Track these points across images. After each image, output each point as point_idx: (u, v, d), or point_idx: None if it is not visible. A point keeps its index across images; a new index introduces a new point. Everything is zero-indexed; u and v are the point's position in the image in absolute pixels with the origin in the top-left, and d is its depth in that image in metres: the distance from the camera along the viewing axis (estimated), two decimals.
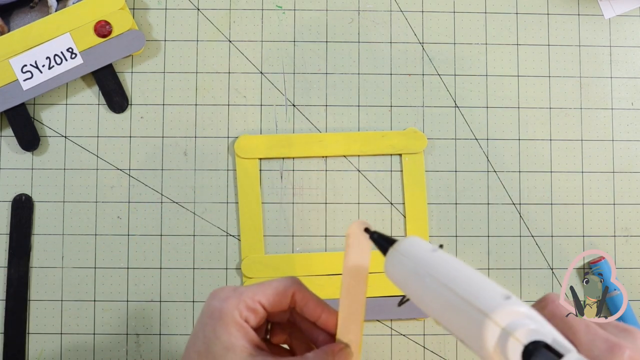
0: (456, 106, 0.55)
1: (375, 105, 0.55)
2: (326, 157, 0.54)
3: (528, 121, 0.55)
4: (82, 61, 0.52)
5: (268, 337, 0.37)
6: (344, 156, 0.54)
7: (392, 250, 0.31)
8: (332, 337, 0.35)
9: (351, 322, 0.34)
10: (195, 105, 0.54)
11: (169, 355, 0.53)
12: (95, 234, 0.53)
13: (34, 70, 0.52)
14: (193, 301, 0.53)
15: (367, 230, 0.32)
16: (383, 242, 0.32)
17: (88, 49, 0.52)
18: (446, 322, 0.28)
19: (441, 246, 0.30)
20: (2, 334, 0.52)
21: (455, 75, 0.55)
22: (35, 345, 0.52)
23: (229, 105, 0.54)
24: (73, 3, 0.53)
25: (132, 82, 0.54)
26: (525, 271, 0.54)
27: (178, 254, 0.53)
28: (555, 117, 0.55)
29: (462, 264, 0.28)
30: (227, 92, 0.54)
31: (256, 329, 0.34)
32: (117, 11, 0.52)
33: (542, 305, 0.33)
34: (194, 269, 0.53)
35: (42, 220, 0.53)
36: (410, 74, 0.55)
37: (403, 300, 0.32)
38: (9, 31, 0.52)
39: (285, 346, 0.38)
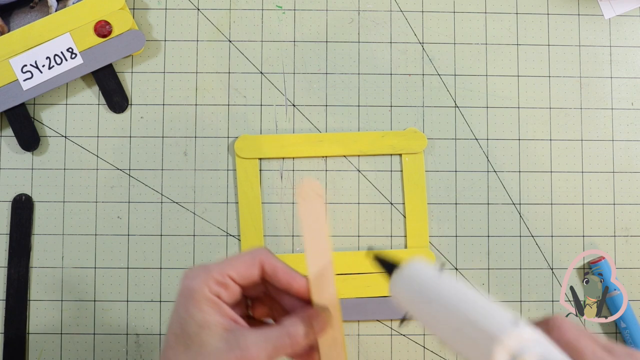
0: (456, 106, 0.55)
1: (375, 105, 0.55)
2: (326, 157, 0.54)
3: (528, 121, 0.55)
4: (82, 61, 0.52)
5: (251, 313, 0.37)
6: (344, 156, 0.54)
7: (397, 274, 0.32)
8: (310, 304, 0.35)
9: (322, 283, 0.34)
10: (195, 105, 0.54)
11: None
12: (95, 234, 0.53)
13: (34, 70, 0.52)
14: None
15: (370, 250, 0.33)
16: (387, 265, 0.33)
17: (88, 49, 0.52)
18: (454, 346, 0.28)
19: (443, 265, 0.31)
20: (2, 334, 0.52)
21: (455, 75, 0.55)
22: (35, 345, 0.52)
23: (229, 105, 0.54)
24: (73, 3, 0.53)
25: (132, 82, 0.54)
26: (525, 271, 0.54)
27: (178, 254, 0.53)
28: (555, 117, 0.55)
29: (467, 288, 0.29)
30: (227, 92, 0.54)
31: (235, 305, 0.34)
32: (117, 11, 0.52)
33: (548, 329, 0.33)
34: None
35: (42, 220, 0.53)
36: (410, 74, 0.55)
37: (404, 320, 0.32)
38: (9, 31, 0.52)
39: (271, 321, 0.37)
